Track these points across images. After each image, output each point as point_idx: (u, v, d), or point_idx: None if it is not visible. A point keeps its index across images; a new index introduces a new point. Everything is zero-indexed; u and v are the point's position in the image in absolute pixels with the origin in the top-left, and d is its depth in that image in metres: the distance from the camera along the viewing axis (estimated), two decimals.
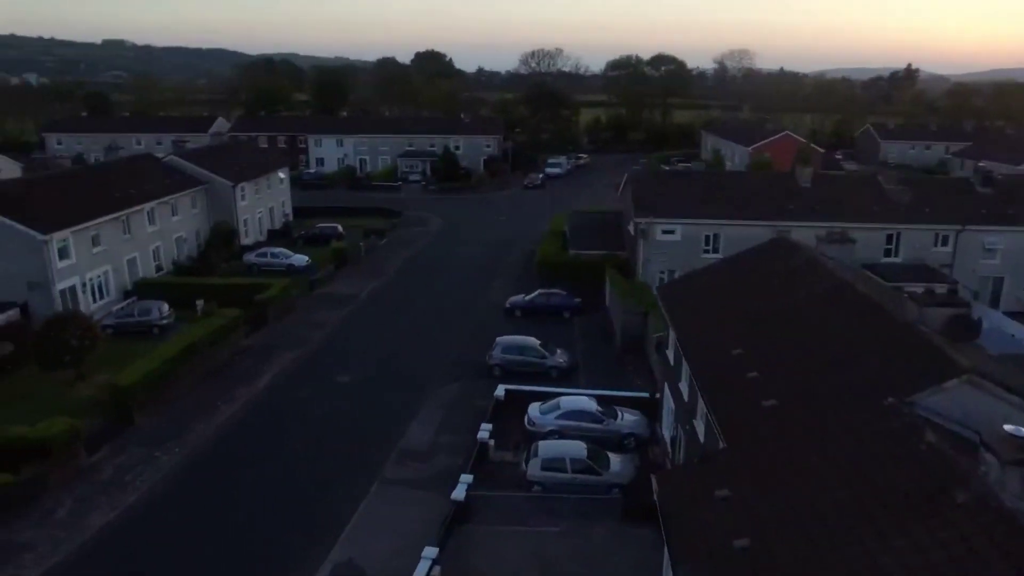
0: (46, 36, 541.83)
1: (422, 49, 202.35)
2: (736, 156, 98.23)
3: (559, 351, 39.98)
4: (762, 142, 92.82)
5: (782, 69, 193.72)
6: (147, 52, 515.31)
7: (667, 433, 29.65)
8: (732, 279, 27.67)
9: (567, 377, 38.77)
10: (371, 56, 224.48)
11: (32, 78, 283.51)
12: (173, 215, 58.35)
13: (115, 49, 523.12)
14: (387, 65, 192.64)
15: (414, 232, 74.36)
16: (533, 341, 39.63)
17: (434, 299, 52.95)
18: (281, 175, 76.57)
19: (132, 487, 29.75)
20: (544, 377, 38.39)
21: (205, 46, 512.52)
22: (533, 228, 71.62)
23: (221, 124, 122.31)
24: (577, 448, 28.27)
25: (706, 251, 47.82)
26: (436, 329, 46.81)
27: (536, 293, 49.06)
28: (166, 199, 57.02)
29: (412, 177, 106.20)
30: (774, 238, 30.39)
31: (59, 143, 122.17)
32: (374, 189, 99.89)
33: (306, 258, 60.94)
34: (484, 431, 30.88)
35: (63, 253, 45.63)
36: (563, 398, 32.47)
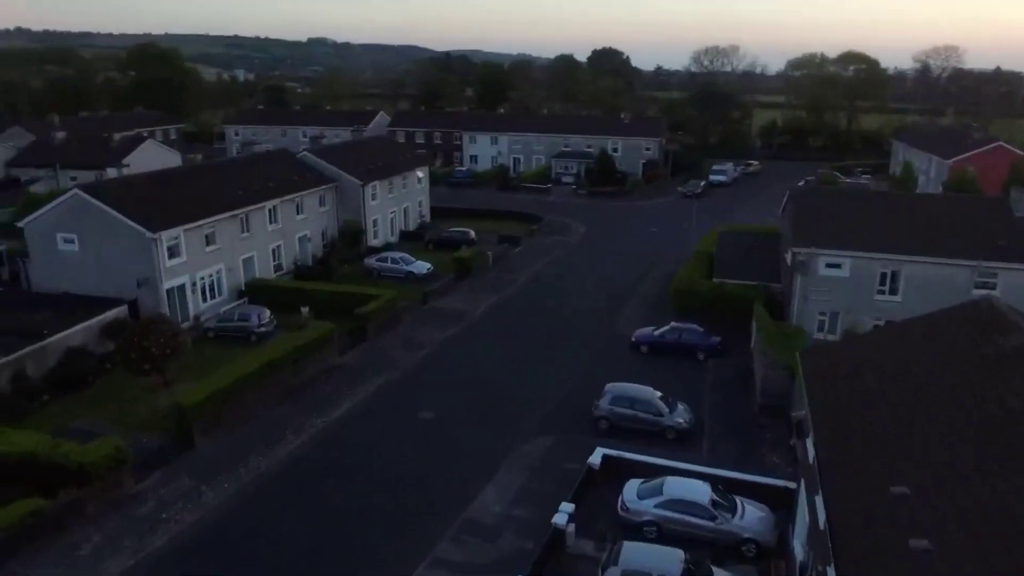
0: (262, 36, 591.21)
1: (600, 46, 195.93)
2: (932, 170, 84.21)
3: (680, 407, 32.99)
4: (966, 154, 78.54)
5: (998, 68, 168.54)
6: (346, 48, 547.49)
7: (799, 548, 22.22)
8: (907, 357, 19.79)
9: (686, 440, 31.85)
10: (551, 53, 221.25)
11: (240, 74, 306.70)
12: (298, 213, 56.62)
13: (318, 47, 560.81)
14: (562, 62, 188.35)
15: (552, 240, 68.99)
16: (649, 392, 32.91)
17: (554, 322, 47.26)
18: (419, 174, 73.85)
19: (164, 527, 26.60)
20: (658, 438, 31.75)
21: (398, 43, 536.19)
22: (683, 244, 63.92)
23: (381, 119, 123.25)
24: (670, 560, 21.58)
25: (881, 292, 38.75)
26: (547, 361, 41.12)
27: (668, 327, 42.04)
28: (291, 197, 55.30)
29: (565, 179, 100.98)
30: (975, 301, 21.88)
31: (236, 134, 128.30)
32: (523, 190, 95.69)
33: (428, 265, 57.33)
34: (563, 513, 24.87)
35: (173, 251, 44.44)
36: (669, 480, 25.73)
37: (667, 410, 32.21)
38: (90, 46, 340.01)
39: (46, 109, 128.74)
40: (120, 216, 42.53)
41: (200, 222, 45.99)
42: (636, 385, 33.52)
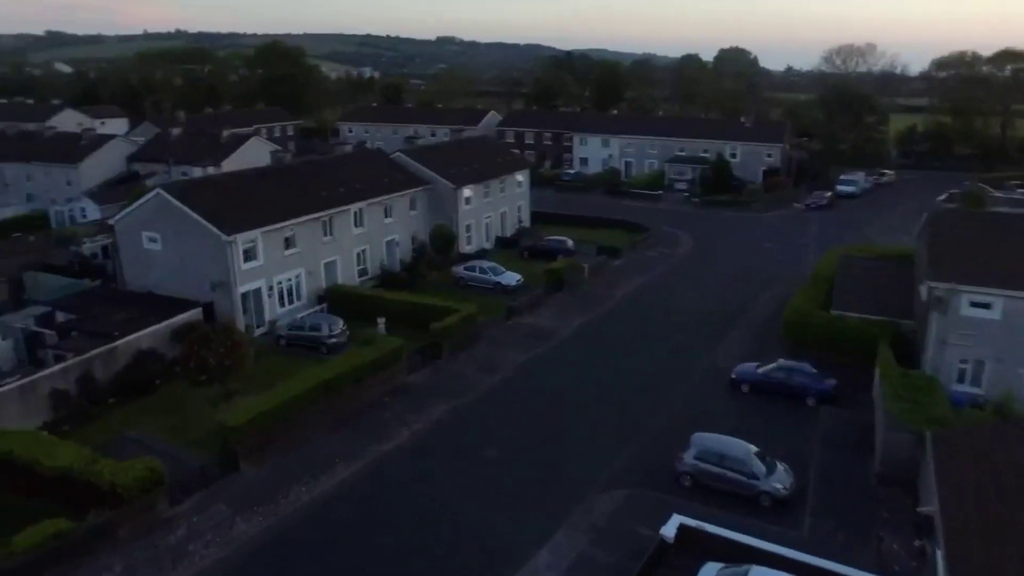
0: (392, 34, 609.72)
1: (728, 46, 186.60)
2: None
3: (780, 468, 28.03)
4: None
5: None
6: (472, 47, 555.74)
7: None
8: None
9: (784, 511, 26.91)
10: (678, 52, 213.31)
11: (367, 71, 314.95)
12: (386, 217, 54.62)
13: (446, 45, 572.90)
14: (685, 62, 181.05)
15: (657, 253, 64.12)
16: (743, 449, 28.14)
17: (646, 349, 42.79)
18: (519, 177, 70.66)
19: (188, 561, 24.63)
20: (751, 505, 27.02)
21: (523, 41, 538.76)
22: (803, 264, 57.70)
23: (492, 118, 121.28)
24: None
25: None
26: (632, 396, 36.79)
27: (775, 364, 36.74)
28: (379, 199, 53.33)
29: (678, 186, 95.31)
30: None
31: (350, 131, 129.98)
32: (632, 196, 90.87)
33: (518, 277, 53.98)
34: None
35: (249, 254, 43.19)
36: (755, 572, 21.10)
37: (764, 471, 27.37)
38: (237, 45, 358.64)
39: (185, 106, 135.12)
40: (197, 217, 41.61)
41: (279, 225, 44.58)
42: (727, 438, 28.77)
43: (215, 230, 41.18)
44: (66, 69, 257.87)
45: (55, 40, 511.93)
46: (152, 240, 44.47)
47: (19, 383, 34.00)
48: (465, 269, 54.66)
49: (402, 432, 33.10)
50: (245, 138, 78.36)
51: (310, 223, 47.09)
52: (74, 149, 79.57)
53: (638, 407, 35.45)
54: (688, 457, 28.30)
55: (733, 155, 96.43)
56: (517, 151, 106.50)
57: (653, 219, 75.15)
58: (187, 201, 42.29)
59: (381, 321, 44.00)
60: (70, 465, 26.94)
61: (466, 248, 61.80)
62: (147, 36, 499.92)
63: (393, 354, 37.17)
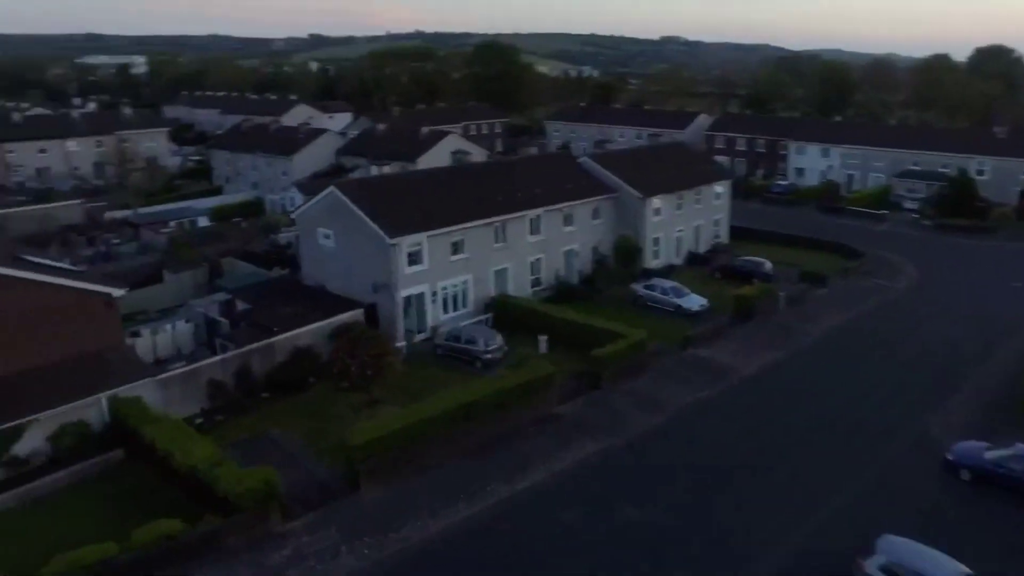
0: (617, 34, 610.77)
1: (986, 44, 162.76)
2: None
3: None
4: None
5: None
6: (695, 47, 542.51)
7: None
8: None
9: None
10: (925, 52, 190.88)
11: (586, 70, 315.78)
12: (566, 225, 51.61)
13: (669, 44, 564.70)
14: (931, 63, 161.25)
15: (871, 284, 55.38)
16: (951, 568, 21.61)
17: (840, 404, 36.02)
18: (718, 189, 64.68)
19: None
20: None
21: (750, 41, 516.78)
22: None
23: (702, 121, 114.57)
24: None
25: None
26: (812, 465, 30.62)
27: (1012, 450, 28.88)
28: (558, 207, 50.43)
29: (908, 205, 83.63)
30: None
31: (556, 131, 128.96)
32: (849, 214, 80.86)
33: (702, 300, 48.70)
34: None
35: (414, 258, 42.11)
36: None
37: None
38: (469, 44, 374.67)
39: (410, 103, 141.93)
40: (364, 217, 41.14)
41: (447, 229, 43.12)
42: (928, 549, 22.37)
43: (380, 231, 40.42)
44: (314, 67, 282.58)
45: (315, 42, 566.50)
46: (326, 236, 44.84)
47: (183, 370, 35.15)
48: (644, 287, 50.27)
49: (540, 470, 29.87)
50: (443, 135, 78.93)
51: (481, 228, 45.23)
52: (291, 142, 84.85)
53: (818, 479, 29.44)
54: (872, 567, 22.29)
55: (980, 171, 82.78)
56: (726, 158, 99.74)
57: (872, 243, 65.81)
58: (357, 200, 41.98)
59: (543, 339, 41.27)
60: (195, 464, 26.70)
61: (652, 263, 57.22)
62: (390, 36, 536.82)
63: (543, 381, 34.03)
